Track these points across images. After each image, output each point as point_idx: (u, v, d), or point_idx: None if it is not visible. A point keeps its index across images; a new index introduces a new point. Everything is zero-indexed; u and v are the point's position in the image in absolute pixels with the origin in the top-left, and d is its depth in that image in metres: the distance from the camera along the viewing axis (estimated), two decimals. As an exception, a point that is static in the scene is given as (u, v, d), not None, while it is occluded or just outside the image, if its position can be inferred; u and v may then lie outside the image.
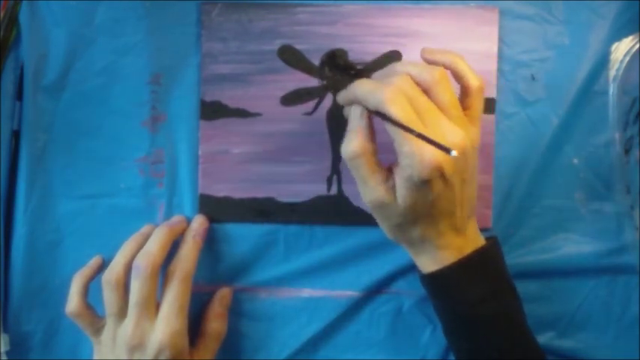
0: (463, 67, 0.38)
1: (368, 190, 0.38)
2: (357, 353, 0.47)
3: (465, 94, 0.39)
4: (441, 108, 0.36)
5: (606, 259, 0.46)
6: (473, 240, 0.40)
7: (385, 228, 0.40)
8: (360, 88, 0.37)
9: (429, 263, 0.40)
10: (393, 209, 0.38)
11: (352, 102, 0.38)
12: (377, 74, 0.40)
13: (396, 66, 0.38)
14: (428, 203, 0.37)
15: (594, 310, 0.46)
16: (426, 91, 0.36)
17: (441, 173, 0.35)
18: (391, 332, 0.47)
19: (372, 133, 0.38)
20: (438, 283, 0.40)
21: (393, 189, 0.37)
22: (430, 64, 0.39)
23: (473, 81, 0.38)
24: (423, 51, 0.40)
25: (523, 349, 0.40)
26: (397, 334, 0.47)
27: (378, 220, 0.40)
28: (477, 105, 0.39)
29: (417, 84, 0.36)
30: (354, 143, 0.37)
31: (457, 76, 0.39)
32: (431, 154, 0.34)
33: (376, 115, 0.36)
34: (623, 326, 0.46)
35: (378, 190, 0.37)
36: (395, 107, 0.35)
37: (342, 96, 0.40)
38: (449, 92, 0.37)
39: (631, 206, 0.47)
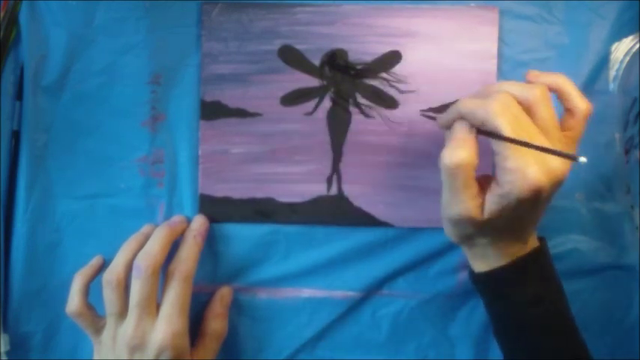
0: (570, 89, 0.37)
1: (457, 202, 0.37)
2: (357, 354, 0.47)
3: (569, 115, 0.38)
4: (541, 127, 0.36)
5: (606, 259, 0.46)
6: (530, 245, 0.40)
7: (453, 235, 0.40)
8: (465, 103, 0.37)
9: (483, 264, 0.40)
10: (473, 222, 0.37)
11: (454, 120, 0.38)
12: (474, 93, 0.39)
13: (496, 85, 0.37)
14: (510, 220, 0.37)
15: (594, 311, 0.46)
16: (526, 111, 0.36)
17: (538, 195, 0.35)
18: (392, 333, 0.47)
19: (477, 148, 0.36)
20: (491, 282, 0.40)
21: (481, 206, 0.37)
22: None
23: (581, 104, 0.37)
24: (528, 74, 0.39)
25: (572, 350, 0.40)
26: (398, 335, 0.47)
27: (450, 229, 0.39)
28: (580, 128, 0.38)
29: (519, 103, 0.36)
30: (462, 152, 0.36)
31: (562, 97, 0.38)
32: (535, 174, 0.34)
33: (481, 132, 0.36)
34: (624, 326, 0.46)
35: (469, 204, 0.37)
36: (503, 119, 0.34)
37: (444, 117, 0.39)
38: (550, 112, 0.36)
39: (631, 206, 0.47)
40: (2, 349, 0.46)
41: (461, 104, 0.37)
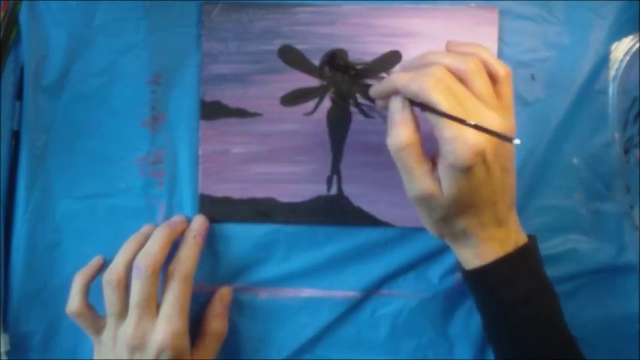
0: (488, 57, 0.38)
1: (414, 181, 0.37)
2: (357, 354, 0.47)
3: (493, 83, 0.38)
4: (477, 97, 0.36)
5: (606, 259, 0.46)
6: (514, 232, 0.40)
7: (429, 223, 0.40)
8: (399, 78, 0.37)
9: (472, 259, 0.40)
10: (437, 201, 0.37)
11: (389, 93, 0.38)
12: (407, 63, 0.39)
13: (429, 56, 0.38)
14: (471, 192, 0.37)
15: (594, 311, 0.46)
16: (461, 81, 0.36)
17: (482, 158, 0.35)
18: (391, 333, 0.47)
19: (416, 123, 0.37)
20: (481, 280, 0.40)
21: (438, 180, 0.37)
22: None
23: (501, 69, 0.38)
24: (448, 44, 0.39)
25: (563, 349, 0.40)
26: (398, 335, 0.47)
27: (422, 215, 0.40)
28: (507, 93, 0.38)
29: (452, 74, 0.36)
30: (401, 134, 0.37)
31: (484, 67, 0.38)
32: (472, 138, 0.34)
33: (416, 105, 0.36)
34: (623, 327, 0.46)
35: (425, 180, 0.37)
36: (437, 94, 0.35)
37: (377, 88, 0.39)
38: (485, 81, 0.37)
39: (631, 206, 0.47)
40: (2, 349, 0.46)
41: (396, 78, 0.37)
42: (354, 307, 0.47)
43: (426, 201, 0.38)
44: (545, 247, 0.46)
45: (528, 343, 0.40)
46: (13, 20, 0.45)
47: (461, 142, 0.34)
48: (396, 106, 0.37)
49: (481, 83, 0.36)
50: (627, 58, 0.46)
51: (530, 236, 0.41)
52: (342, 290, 0.47)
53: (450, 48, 0.39)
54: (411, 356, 0.47)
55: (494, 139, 0.35)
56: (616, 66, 0.46)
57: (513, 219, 0.40)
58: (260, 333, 0.47)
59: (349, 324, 0.47)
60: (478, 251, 0.39)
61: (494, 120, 0.35)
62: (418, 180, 0.37)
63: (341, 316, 0.47)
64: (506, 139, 0.33)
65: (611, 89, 0.46)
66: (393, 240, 0.46)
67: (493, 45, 0.46)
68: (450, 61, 0.37)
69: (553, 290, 0.41)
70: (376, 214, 0.46)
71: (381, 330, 0.47)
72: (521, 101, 0.46)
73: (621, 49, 0.46)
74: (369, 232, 0.46)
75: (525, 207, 0.46)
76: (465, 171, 0.35)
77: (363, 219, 0.46)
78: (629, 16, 0.46)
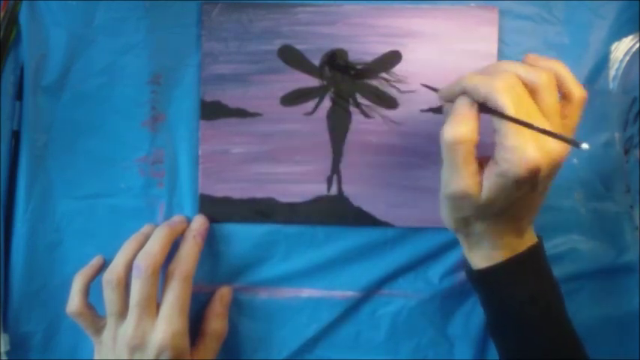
0: (567, 76, 0.37)
1: (457, 178, 0.36)
2: (356, 354, 0.47)
3: (565, 102, 0.37)
4: (544, 112, 0.35)
5: (606, 259, 0.46)
6: (528, 239, 0.40)
7: (450, 218, 0.39)
8: (470, 78, 0.36)
9: (481, 260, 0.40)
10: (471, 203, 0.37)
11: (457, 95, 0.37)
12: (477, 71, 0.38)
13: (502, 64, 0.37)
14: (508, 203, 0.36)
15: (594, 311, 0.46)
16: (531, 93, 0.36)
17: (535, 175, 0.34)
18: (391, 333, 0.47)
19: (478, 124, 0.36)
20: (488, 280, 0.40)
21: (480, 184, 0.36)
22: None
23: (576, 90, 0.37)
24: (527, 57, 0.38)
25: (569, 350, 0.40)
26: (398, 335, 0.47)
27: (447, 211, 0.39)
28: (576, 115, 0.38)
29: (524, 84, 0.36)
30: (462, 128, 0.36)
31: (558, 83, 0.37)
32: (533, 153, 0.34)
33: (483, 109, 0.36)
34: (623, 326, 0.46)
35: (469, 180, 0.36)
36: (507, 98, 0.34)
37: (445, 90, 0.39)
38: (554, 97, 0.36)
39: (631, 206, 0.47)
40: (2, 349, 0.46)
41: (465, 78, 0.36)
42: (354, 307, 0.47)
43: (460, 200, 0.37)
44: (545, 247, 0.46)
45: (535, 343, 0.39)
46: (13, 20, 0.45)
47: (520, 153, 0.34)
48: (464, 102, 0.36)
49: (550, 99, 0.36)
50: (627, 58, 0.46)
51: (538, 236, 0.41)
52: (341, 290, 0.47)
53: (528, 60, 0.38)
54: (410, 356, 0.47)
55: (551, 160, 0.34)
56: (616, 66, 0.46)
57: (531, 230, 0.40)
58: (260, 333, 0.47)
59: (349, 324, 0.47)
60: (489, 254, 0.39)
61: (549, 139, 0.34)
62: (462, 178, 0.36)
63: (341, 316, 0.47)
64: (574, 143, 0.32)
65: (611, 89, 0.46)
66: (393, 240, 0.46)
67: (493, 45, 0.46)
68: (524, 71, 0.36)
69: (560, 290, 0.40)
70: (376, 214, 0.46)
71: (381, 330, 0.47)
72: (521, 101, 0.46)
73: (621, 49, 0.46)
74: (369, 232, 0.46)
75: (525, 207, 0.46)
76: (514, 183, 0.35)
77: (363, 219, 0.46)
78: (629, 16, 0.46)
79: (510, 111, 0.34)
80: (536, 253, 0.40)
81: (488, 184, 0.36)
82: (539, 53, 0.45)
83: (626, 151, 0.47)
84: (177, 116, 0.46)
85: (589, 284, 0.46)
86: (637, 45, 0.46)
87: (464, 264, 0.42)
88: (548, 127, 0.35)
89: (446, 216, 0.40)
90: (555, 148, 0.35)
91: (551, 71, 0.37)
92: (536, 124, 0.34)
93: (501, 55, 0.46)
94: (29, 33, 0.45)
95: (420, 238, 0.46)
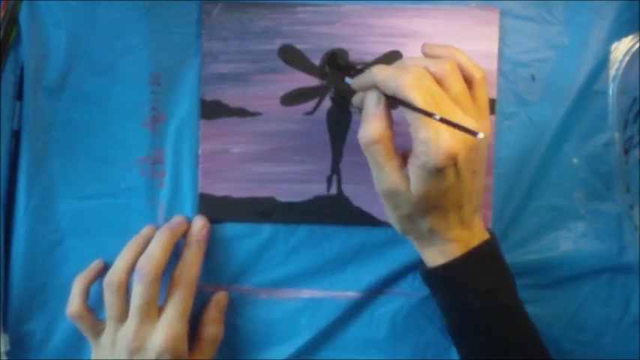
0: (464, 60, 0.38)
1: (383, 176, 0.38)
2: (357, 354, 0.47)
3: (468, 86, 0.38)
4: (453, 99, 0.36)
5: (606, 259, 0.46)
6: (479, 234, 0.40)
7: (394, 219, 0.40)
8: (380, 72, 0.37)
9: (436, 257, 0.40)
10: (405, 198, 0.38)
11: (368, 87, 0.38)
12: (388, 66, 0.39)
13: (408, 61, 0.38)
14: (439, 193, 0.37)
15: (594, 311, 0.46)
16: (438, 83, 0.36)
17: (454, 162, 0.35)
18: (391, 333, 0.47)
19: (389, 120, 0.37)
20: (446, 276, 0.40)
21: (407, 177, 0.37)
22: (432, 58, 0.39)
23: (476, 72, 0.38)
24: (423, 46, 0.40)
25: (530, 342, 0.40)
26: (397, 334, 0.47)
27: (388, 211, 0.40)
28: (483, 96, 0.39)
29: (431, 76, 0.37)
30: (372, 129, 0.37)
31: (459, 70, 0.38)
32: (447, 141, 0.34)
33: (393, 102, 0.36)
34: (623, 327, 0.46)
35: (394, 176, 0.37)
36: (415, 92, 0.35)
37: (358, 81, 0.39)
38: (460, 84, 0.37)
39: (631, 206, 0.47)
40: (2, 349, 0.46)
41: (376, 72, 0.37)
42: (354, 307, 0.47)
43: (392, 197, 0.38)
44: (545, 247, 0.46)
45: (494, 336, 0.40)
46: (13, 20, 0.45)
47: (435, 144, 0.34)
48: (372, 100, 0.38)
49: (457, 85, 0.37)
50: (627, 58, 0.46)
51: (490, 232, 0.41)
52: (341, 290, 0.47)
53: (425, 50, 0.40)
54: (410, 355, 0.47)
55: (467, 144, 0.35)
56: (616, 66, 0.46)
57: (478, 220, 0.41)
58: (260, 333, 0.47)
59: (349, 324, 0.47)
60: (443, 249, 0.40)
61: (467, 122, 0.35)
62: (387, 175, 0.37)
63: (341, 317, 0.47)
64: (470, 132, 0.33)
65: (611, 89, 0.46)
66: (393, 240, 0.46)
67: (493, 45, 0.46)
68: (428, 63, 0.37)
69: (515, 284, 0.41)
70: (376, 214, 0.46)
71: (381, 329, 0.47)
72: (521, 101, 0.46)
73: (621, 49, 0.46)
74: (369, 232, 0.46)
75: (525, 207, 0.46)
76: (436, 173, 0.36)
77: (363, 219, 0.46)
78: (629, 16, 0.46)
79: (419, 103, 0.34)
80: (491, 246, 0.40)
81: (414, 177, 0.37)
82: (539, 53, 0.46)
83: (626, 151, 0.47)
84: (177, 116, 0.46)
85: (589, 284, 0.46)
86: (637, 45, 0.46)
87: (419, 268, 0.43)
88: (458, 113, 0.35)
89: (390, 217, 0.40)
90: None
91: (451, 58, 0.38)
92: (447, 112, 0.35)
93: (502, 56, 0.46)
94: (29, 33, 0.45)
95: (420, 238, 0.46)
